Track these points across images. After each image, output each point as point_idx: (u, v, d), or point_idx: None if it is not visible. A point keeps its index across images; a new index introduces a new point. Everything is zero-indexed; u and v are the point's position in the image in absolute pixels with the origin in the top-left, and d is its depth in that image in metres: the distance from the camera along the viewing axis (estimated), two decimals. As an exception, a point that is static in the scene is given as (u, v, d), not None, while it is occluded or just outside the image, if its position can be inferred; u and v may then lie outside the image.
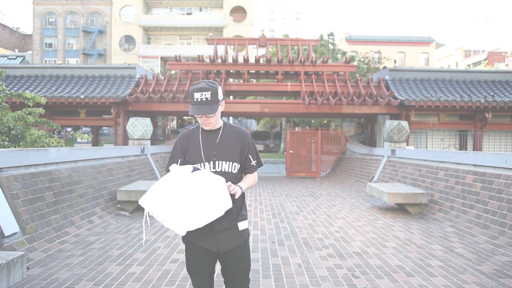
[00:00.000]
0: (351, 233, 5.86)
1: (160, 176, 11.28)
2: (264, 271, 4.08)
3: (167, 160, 13.29)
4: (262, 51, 29.84)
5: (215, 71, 16.66)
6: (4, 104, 7.90)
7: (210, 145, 2.21)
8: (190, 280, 3.81)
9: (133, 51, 40.81)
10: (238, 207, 2.25)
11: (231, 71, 17.43)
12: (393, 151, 11.12)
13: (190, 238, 2.19)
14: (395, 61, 28.79)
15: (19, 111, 7.99)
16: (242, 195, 2.29)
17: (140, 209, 7.63)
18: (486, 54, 40.30)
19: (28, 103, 8.21)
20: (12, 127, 7.68)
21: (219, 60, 16.84)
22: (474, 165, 6.77)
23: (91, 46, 40.86)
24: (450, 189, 7.06)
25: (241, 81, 19.01)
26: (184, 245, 2.32)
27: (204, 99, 2.12)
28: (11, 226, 4.49)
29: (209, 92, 2.12)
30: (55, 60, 40.19)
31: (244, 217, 2.29)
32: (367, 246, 5.10)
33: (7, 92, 8.20)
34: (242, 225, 2.25)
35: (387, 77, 16.82)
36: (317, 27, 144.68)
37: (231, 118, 27.13)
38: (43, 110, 8.46)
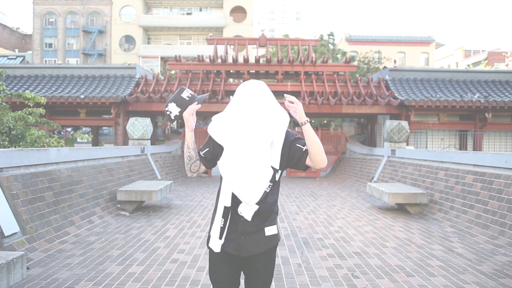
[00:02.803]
0: (351, 233, 5.86)
1: (160, 176, 11.28)
2: (264, 271, 4.08)
3: (167, 160, 13.35)
4: (262, 51, 29.83)
5: (215, 71, 16.67)
6: (4, 104, 7.90)
7: None
8: (190, 280, 3.81)
9: (133, 51, 40.81)
10: (268, 209, 2.06)
11: (231, 71, 17.43)
12: (393, 151, 11.12)
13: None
14: (395, 61, 28.80)
15: (19, 111, 7.99)
16: (275, 196, 2.10)
17: (140, 208, 7.63)
18: (486, 54, 40.33)
19: (29, 103, 8.21)
20: (12, 127, 7.68)
21: (219, 60, 16.84)
22: (474, 165, 6.77)
23: (91, 46, 40.87)
24: (450, 189, 7.06)
25: (241, 81, 19.00)
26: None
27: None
28: (11, 226, 4.49)
29: None
30: (55, 60, 40.20)
31: (273, 222, 2.09)
32: (367, 246, 5.09)
33: (7, 92, 8.20)
34: (269, 230, 2.06)
35: (387, 77, 16.82)
36: (317, 27, 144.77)
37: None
38: (44, 110, 8.46)
